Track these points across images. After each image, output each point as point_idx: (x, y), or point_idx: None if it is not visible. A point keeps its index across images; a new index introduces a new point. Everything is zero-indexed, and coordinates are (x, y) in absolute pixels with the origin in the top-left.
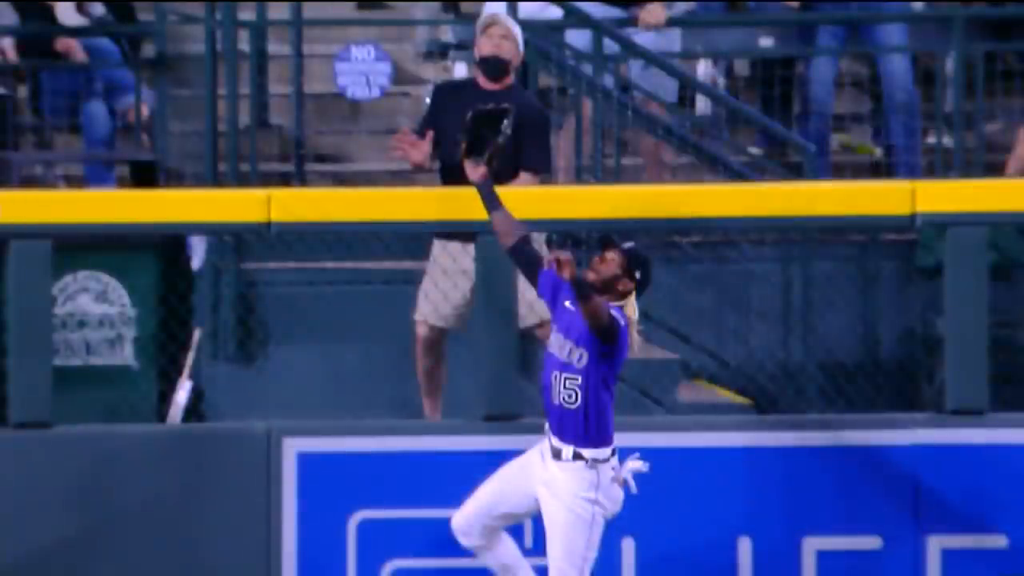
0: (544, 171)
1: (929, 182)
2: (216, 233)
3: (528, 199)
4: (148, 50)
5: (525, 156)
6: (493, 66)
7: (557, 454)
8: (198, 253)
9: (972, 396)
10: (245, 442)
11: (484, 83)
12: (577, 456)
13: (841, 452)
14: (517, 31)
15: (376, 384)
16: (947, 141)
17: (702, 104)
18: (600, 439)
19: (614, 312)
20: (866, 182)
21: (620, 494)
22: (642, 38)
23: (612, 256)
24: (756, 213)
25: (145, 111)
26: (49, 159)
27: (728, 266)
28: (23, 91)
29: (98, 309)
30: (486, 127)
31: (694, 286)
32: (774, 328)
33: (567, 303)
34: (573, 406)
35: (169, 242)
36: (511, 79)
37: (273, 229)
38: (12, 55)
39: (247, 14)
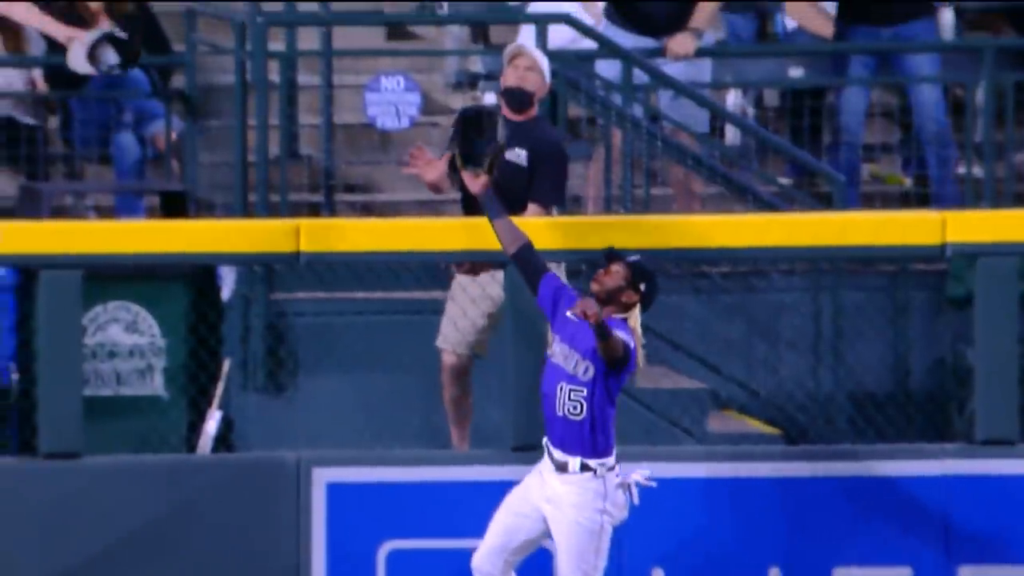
0: (553, 206)
1: (959, 212)
2: (246, 263)
3: (557, 229)
4: (178, 81)
5: (536, 188)
6: (517, 97)
7: (562, 467)
8: (228, 283)
9: (1003, 426)
10: (275, 472)
11: (508, 113)
12: (584, 467)
13: (871, 482)
14: (544, 63)
15: (405, 414)
16: (977, 171)
17: (732, 134)
18: (605, 449)
19: (623, 334)
20: (896, 212)
21: (625, 499)
22: (672, 68)
23: (617, 268)
24: (786, 243)
25: (173, 136)
26: (79, 190)
27: (758, 296)
28: (53, 122)
29: (128, 339)
30: (476, 134)
31: (724, 316)
32: (804, 358)
33: (568, 313)
34: (578, 418)
35: (199, 272)
36: (535, 110)
37: (302, 259)
38: (42, 85)
39: (277, 45)
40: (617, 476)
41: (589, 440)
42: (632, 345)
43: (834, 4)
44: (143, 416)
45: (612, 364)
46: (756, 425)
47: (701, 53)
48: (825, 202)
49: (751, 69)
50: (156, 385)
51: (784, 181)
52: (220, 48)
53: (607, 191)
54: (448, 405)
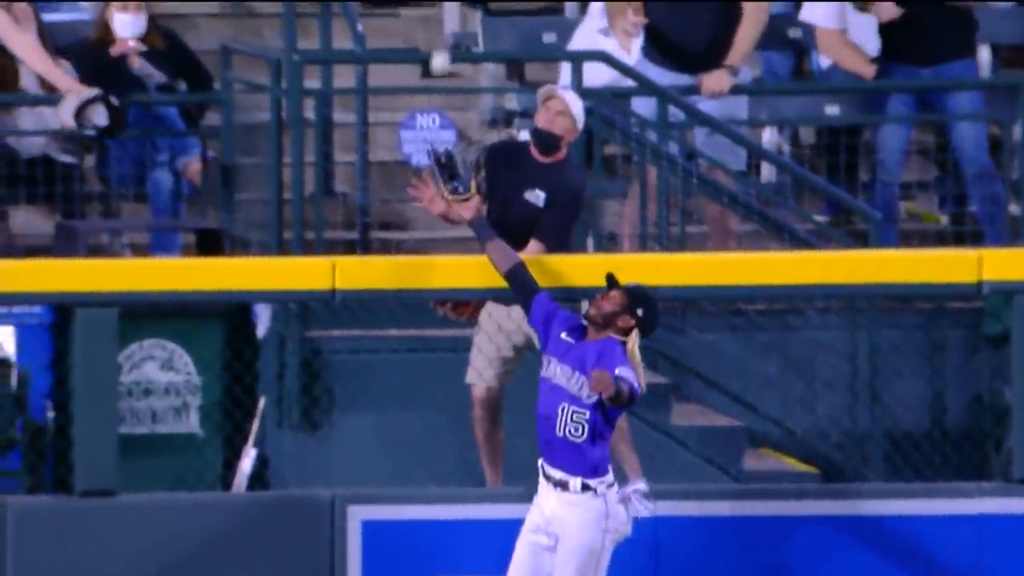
0: (553, 249)
1: (996, 250)
2: (281, 301)
3: (593, 267)
4: (214, 118)
5: (540, 227)
6: (544, 140)
7: (563, 485)
8: (263, 321)
9: None
10: (310, 510)
11: (535, 152)
12: (585, 487)
13: (908, 521)
14: (576, 108)
15: (440, 451)
16: (1014, 209)
17: (768, 171)
18: (605, 468)
19: (627, 373)
20: (933, 250)
21: (627, 515)
22: (709, 105)
23: (613, 294)
24: (822, 281)
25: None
26: (115, 227)
27: (794, 334)
28: (89, 160)
29: (164, 377)
30: (450, 170)
31: (760, 354)
32: (840, 396)
33: (564, 334)
34: (579, 439)
35: (235, 310)
36: (563, 153)
37: (338, 297)
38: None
39: (313, 82)
40: (617, 493)
41: (589, 460)
42: (636, 383)
43: (873, 42)
44: (178, 454)
45: (617, 407)
46: (792, 463)
47: (736, 90)
48: (861, 240)
49: (787, 106)
50: (192, 423)
51: (820, 219)
52: (256, 85)
53: (643, 228)
54: (481, 442)
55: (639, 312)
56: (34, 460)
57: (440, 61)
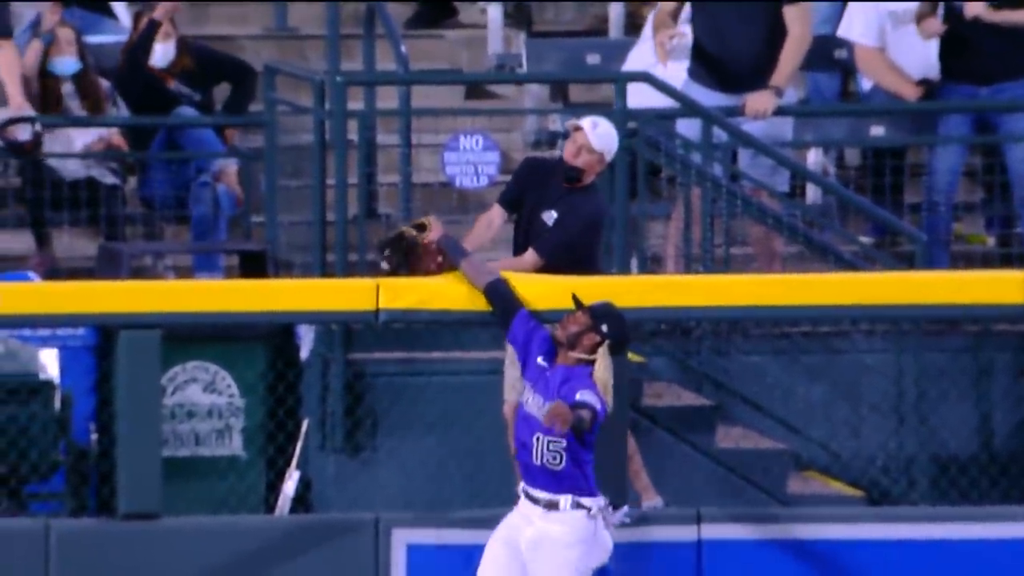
0: (553, 266)
1: None
2: (324, 322)
3: (636, 288)
4: (257, 140)
5: (541, 240)
6: (566, 172)
7: (552, 505)
8: (306, 343)
9: None
10: (354, 533)
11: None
12: (578, 505)
13: (955, 545)
14: (602, 143)
15: (485, 475)
16: None
17: (813, 193)
18: (591, 488)
19: (589, 397)
20: (979, 272)
21: (610, 541)
22: (753, 126)
23: (578, 314)
24: (868, 302)
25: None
26: (158, 250)
27: (839, 357)
28: (132, 182)
29: (207, 399)
30: (396, 245)
31: (805, 376)
32: (886, 419)
33: (540, 359)
34: (558, 467)
35: (278, 332)
36: (587, 181)
37: (381, 318)
38: (120, 141)
39: (356, 103)
40: (605, 518)
41: (573, 480)
42: (599, 405)
43: (918, 64)
44: (221, 477)
45: (578, 433)
46: (838, 487)
47: (781, 112)
48: (907, 262)
49: (833, 127)
50: (234, 445)
51: (865, 240)
52: (300, 107)
53: (687, 250)
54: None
55: (604, 328)
56: (77, 483)
57: None
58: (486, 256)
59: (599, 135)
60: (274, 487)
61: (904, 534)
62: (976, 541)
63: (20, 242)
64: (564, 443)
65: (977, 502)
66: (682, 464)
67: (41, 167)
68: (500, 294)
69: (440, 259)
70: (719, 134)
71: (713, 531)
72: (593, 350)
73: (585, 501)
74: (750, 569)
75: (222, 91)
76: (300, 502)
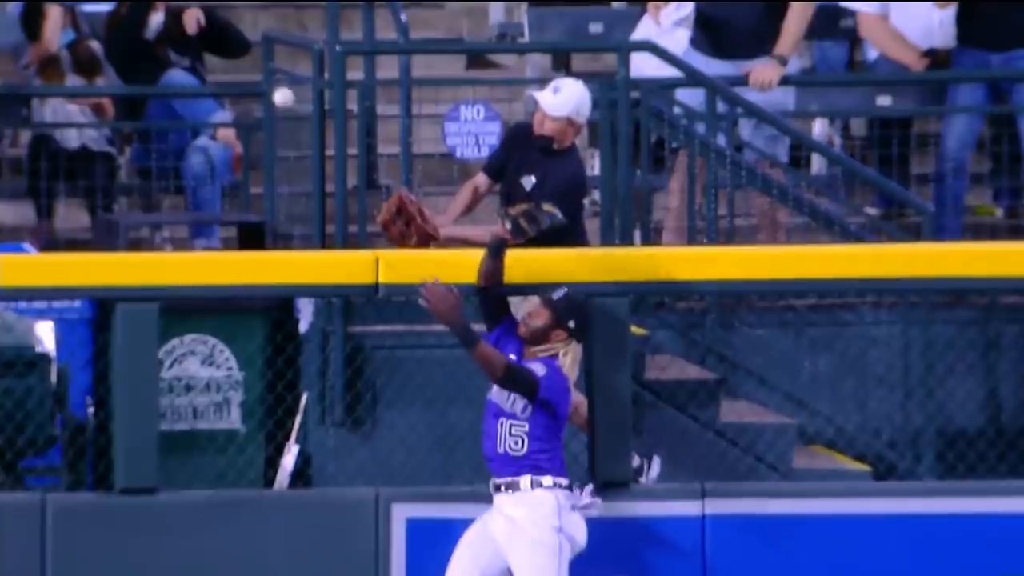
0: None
1: None
2: (324, 295)
3: (639, 261)
4: (256, 110)
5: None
6: (539, 140)
7: (512, 486)
8: (305, 316)
9: None
10: (353, 508)
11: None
12: (536, 484)
13: (961, 520)
14: (564, 108)
15: None
16: None
17: (818, 164)
18: (553, 469)
19: (534, 364)
20: (987, 244)
21: (583, 525)
22: (754, 96)
23: (540, 309)
24: (874, 275)
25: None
26: (156, 221)
27: (846, 330)
28: (127, 152)
29: (205, 373)
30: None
31: (811, 350)
32: (893, 393)
33: (511, 356)
34: (519, 453)
35: (277, 304)
36: (568, 144)
37: (381, 291)
38: (111, 112)
39: (356, 73)
40: (572, 501)
41: (533, 463)
42: (542, 377)
43: (923, 33)
44: (220, 451)
45: (502, 386)
46: (844, 461)
47: (785, 82)
48: (914, 233)
49: (839, 97)
50: (233, 419)
51: (872, 212)
52: (299, 77)
53: (691, 221)
54: None
55: (571, 325)
56: (74, 457)
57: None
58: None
59: (559, 102)
60: (273, 461)
61: (910, 509)
62: (983, 516)
63: (14, 213)
64: (526, 427)
65: (984, 476)
66: (686, 438)
67: (44, 137)
68: (495, 298)
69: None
70: (721, 103)
71: (717, 506)
72: (563, 343)
73: (544, 480)
74: (754, 545)
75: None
76: (299, 476)
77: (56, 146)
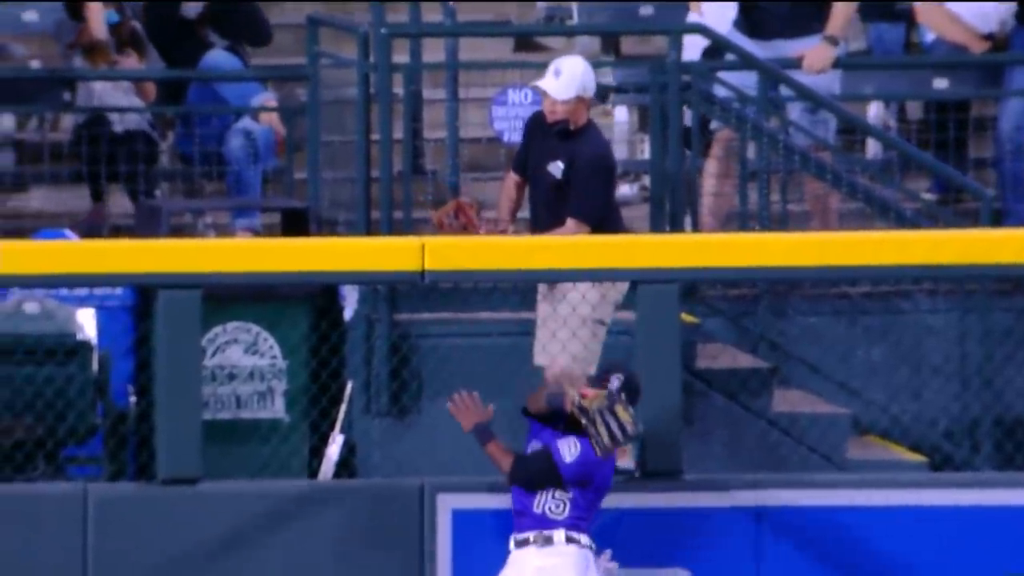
0: (589, 222)
1: None
2: (369, 283)
3: (689, 247)
4: (300, 94)
5: (572, 203)
6: (554, 126)
7: (545, 541)
8: (350, 303)
9: None
10: (399, 499)
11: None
12: (570, 540)
13: (1020, 512)
14: (569, 90)
15: None
16: None
17: (873, 148)
18: (588, 533)
19: (567, 443)
20: None
21: None
22: (800, 78)
23: (597, 394)
24: (930, 261)
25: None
26: (198, 207)
27: (901, 318)
28: (170, 137)
29: (248, 361)
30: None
31: (865, 338)
32: (949, 382)
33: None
34: (559, 516)
35: (321, 292)
36: (584, 121)
37: (427, 278)
38: (153, 94)
39: (401, 57)
40: (602, 560)
41: (572, 525)
42: (569, 463)
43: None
44: (263, 440)
45: (517, 485)
46: (899, 451)
47: (840, 65)
48: (971, 219)
49: (894, 80)
50: (277, 408)
51: (928, 197)
52: (343, 60)
53: (743, 207)
54: None
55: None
56: (115, 446)
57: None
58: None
59: (563, 84)
60: (317, 451)
61: (967, 500)
62: None
63: (56, 200)
64: (571, 494)
65: None
66: (738, 429)
67: (97, 119)
68: (525, 459)
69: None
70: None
71: (770, 498)
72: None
73: (578, 536)
74: (808, 536)
75: None
76: (344, 467)
77: (106, 129)
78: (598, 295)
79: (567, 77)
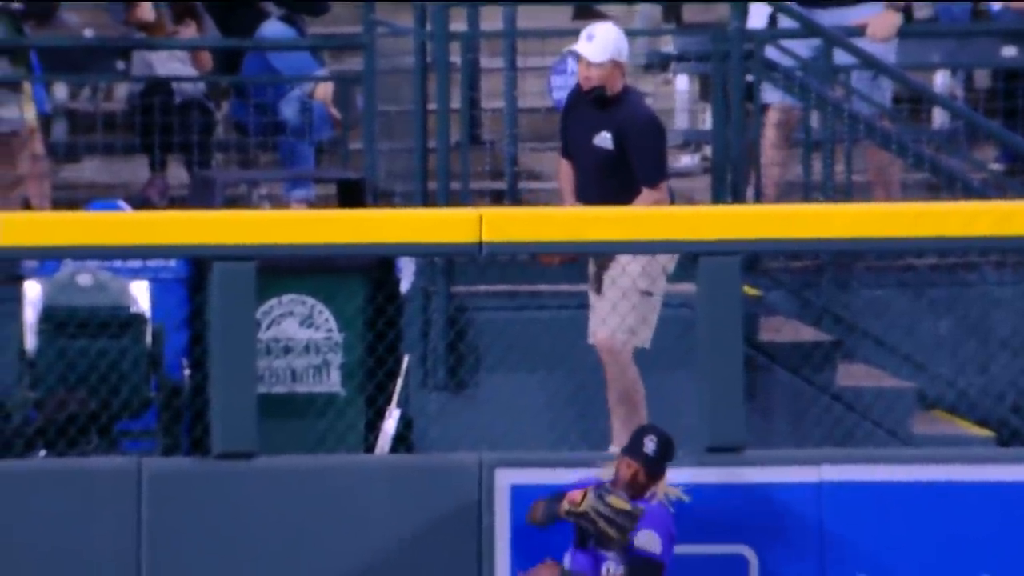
0: (659, 181)
1: None
2: (426, 255)
3: (751, 218)
4: (355, 63)
5: (639, 170)
6: (591, 95)
7: None
8: (407, 276)
9: None
10: (456, 474)
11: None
12: None
13: None
14: (603, 53)
15: (592, 413)
16: None
17: (940, 117)
18: None
19: (647, 541)
20: None
21: None
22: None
23: (633, 464)
24: (998, 233)
25: (329, 87)
26: (253, 178)
27: (968, 290)
28: (225, 108)
29: (304, 334)
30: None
31: (931, 311)
32: (1017, 356)
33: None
34: None
35: (377, 264)
36: (620, 87)
37: (485, 250)
38: (208, 63)
39: (459, 25)
40: None
41: None
42: (658, 548)
43: None
44: (319, 415)
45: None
46: (965, 427)
47: (906, 33)
48: None
49: (962, 49)
50: (332, 382)
51: (995, 167)
52: (400, 29)
53: (806, 178)
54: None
55: (667, 466)
56: (169, 420)
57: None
58: None
59: (597, 48)
60: (373, 426)
61: None
62: None
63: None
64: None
65: None
66: (801, 403)
67: (158, 86)
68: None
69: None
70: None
71: (834, 473)
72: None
73: None
74: (872, 513)
75: None
76: (401, 441)
77: (166, 98)
78: (642, 266)
79: (600, 41)
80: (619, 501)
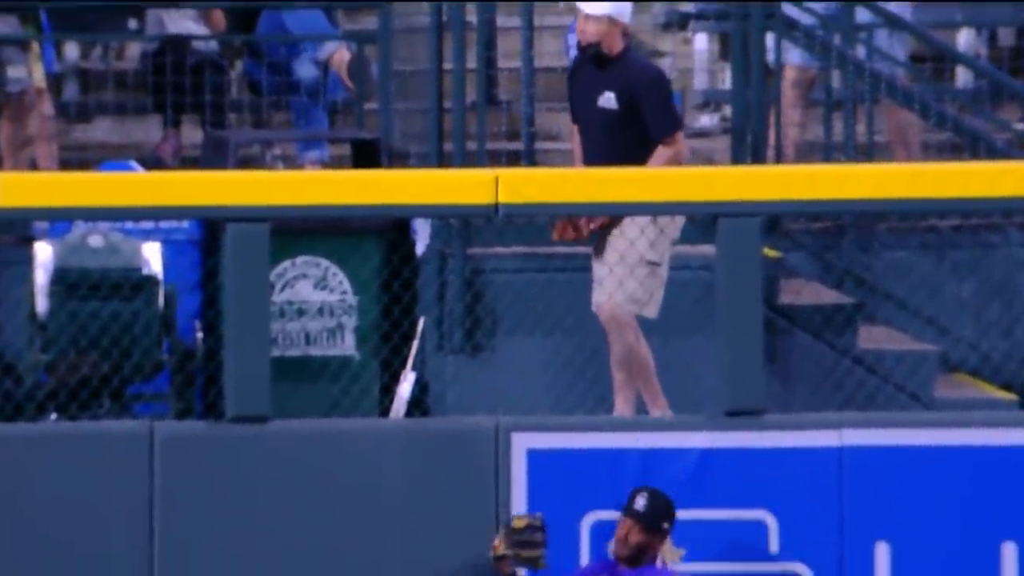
0: (674, 132)
1: None
2: (441, 216)
3: (771, 179)
4: (371, 22)
5: (651, 126)
6: (588, 53)
7: None
8: (422, 237)
9: None
10: (472, 438)
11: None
12: None
13: None
14: (602, 7)
15: (610, 376)
16: None
17: (963, 76)
18: None
19: None
20: None
21: None
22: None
23: (630, 524)
24: (1022, 194)
25: (345, 56)
26: (267, 138)
27: (991, 252)
28: (238, 67)
29: (318, 297)
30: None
31: (954, 273)
32: None
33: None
34: None
35: (392, 226)
36: (619, 48)
37: (501, 212)
38: (221, 23)
39: None
40: None
41: None
42: None
43: None
44: (333, 378)
45: None
46: (989, 390)
47: None
48: None
49: (986, 7)
50: (347, 345)
51: (1020, 127)
52: None
53: (827, 138)
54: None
55: (666, 525)
56: (182, 384)
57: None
58: None
59: (593, 5)
60: (389, 389)
61: None
62: None
63: (120, 132)
64: None
65: None
66: (822, 366)
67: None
68: None
69: None
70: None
71: (855, 437)
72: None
73: None
74: (894, 477)
75: None
76: (416, 405)
77: (182, 57)
78: (654, 233)
79: (599, 6)
80: (519, 520)
